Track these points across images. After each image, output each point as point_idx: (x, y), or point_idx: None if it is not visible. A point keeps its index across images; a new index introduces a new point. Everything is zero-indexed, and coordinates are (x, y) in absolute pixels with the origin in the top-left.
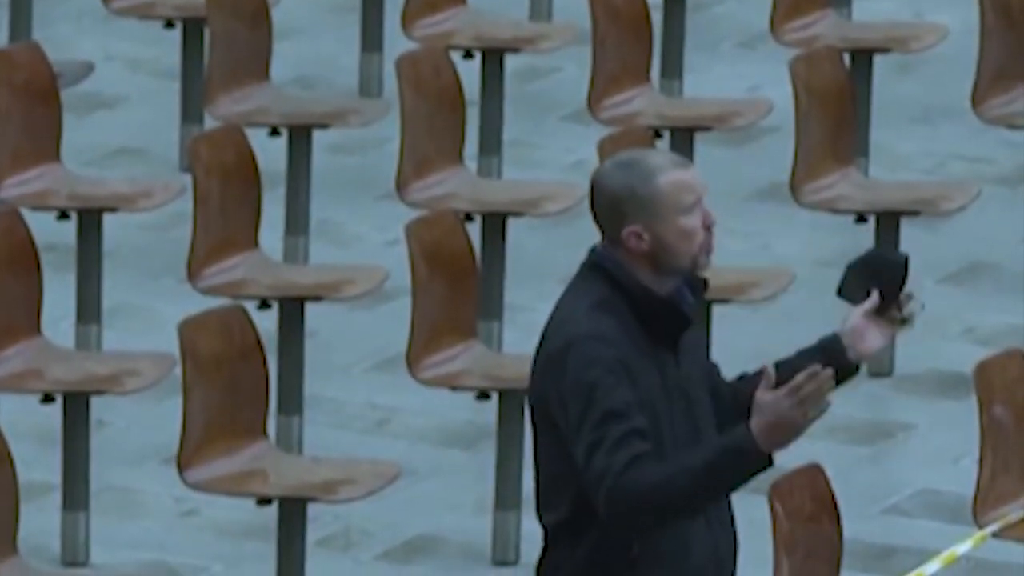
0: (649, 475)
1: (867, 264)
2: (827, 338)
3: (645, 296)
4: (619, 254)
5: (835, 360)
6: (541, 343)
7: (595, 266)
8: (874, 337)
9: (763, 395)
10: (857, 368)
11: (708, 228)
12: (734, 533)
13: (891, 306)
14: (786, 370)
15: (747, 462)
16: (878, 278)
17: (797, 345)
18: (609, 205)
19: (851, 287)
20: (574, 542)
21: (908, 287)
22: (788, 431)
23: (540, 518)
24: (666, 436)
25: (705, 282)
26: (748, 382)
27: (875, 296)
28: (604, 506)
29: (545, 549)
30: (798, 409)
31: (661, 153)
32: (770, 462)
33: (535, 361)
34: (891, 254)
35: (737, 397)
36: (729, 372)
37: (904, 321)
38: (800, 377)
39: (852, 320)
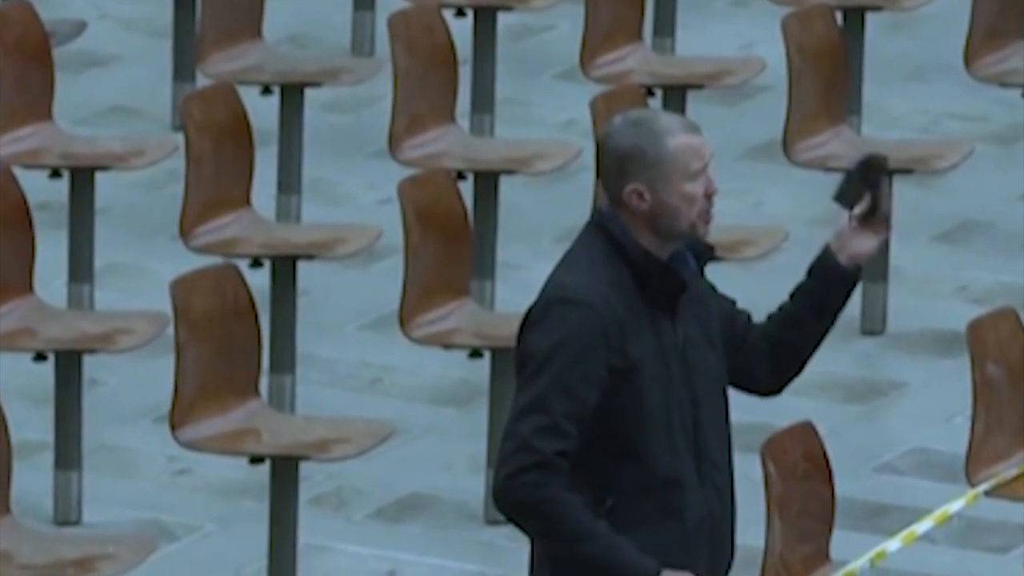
0: (564, 504)
1: (862, 170)
2: (818, 257)
3: (644, 259)
4: (621, 215)
5: (833, 274)
6: (540, 296)
7: (598, 226)
8: (866, 239)
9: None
10: (859, 273)
11: (708, 196)
12: (731, 495)
13: (879, 207)
14: (789, 312)
15: None
16: (872, 182)
17: None
18: (615, 162)
19: (849, 192)
20: None
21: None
22: None
23: None
24: (659, 399)
25: (711, 247)
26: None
27: (868, 199)
28: (505, 479)
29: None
30: None
31: (672, 115)
32: None
33: (527, 310)
34: (877, 157)
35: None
36: None
37: (887, 219)
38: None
39: (843, 227)
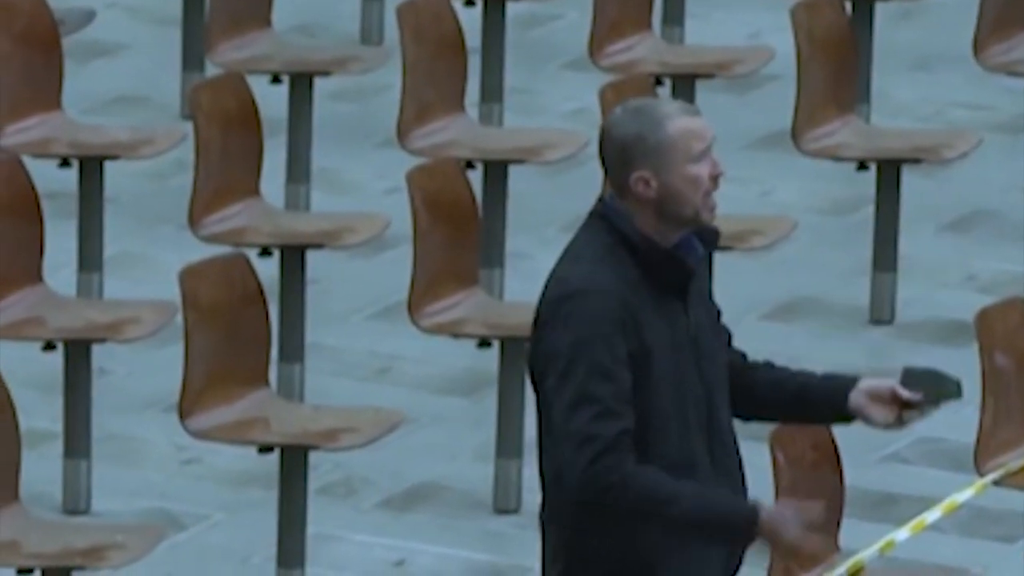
0: (641, 480)
1: (939, 378)
2: (846, 378)
3: (648, 246)
4: (625, 204)
5: (835, 403)
6: (543, 293)
7: (600, 216)
8: (880, 412)
9: (788, 511)
10: (849, 419)
11: (714, 179)
12: (743, 481)
13: (914, 411)
14: (778, 383)
15: (737, 538)
16: (935, 390)
17: (797, 292)
18: (618, 151)
19: (920, 384)
20: (570, 512)
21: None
22: (783, 542)
23: (540, 465)
24: (675, 387)
25: (717, 232)
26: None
27: (916, 396)
28: (583, 472)
29: (547, 499)
30: (801, 540)
31: (671, 101)
32: (751, 541)
33: (536, 312)
34: (955, 388)
35: (744, 375)
36: (730, 321)
37: (908, 423)
38: (817, 515)
39: (881, 385)
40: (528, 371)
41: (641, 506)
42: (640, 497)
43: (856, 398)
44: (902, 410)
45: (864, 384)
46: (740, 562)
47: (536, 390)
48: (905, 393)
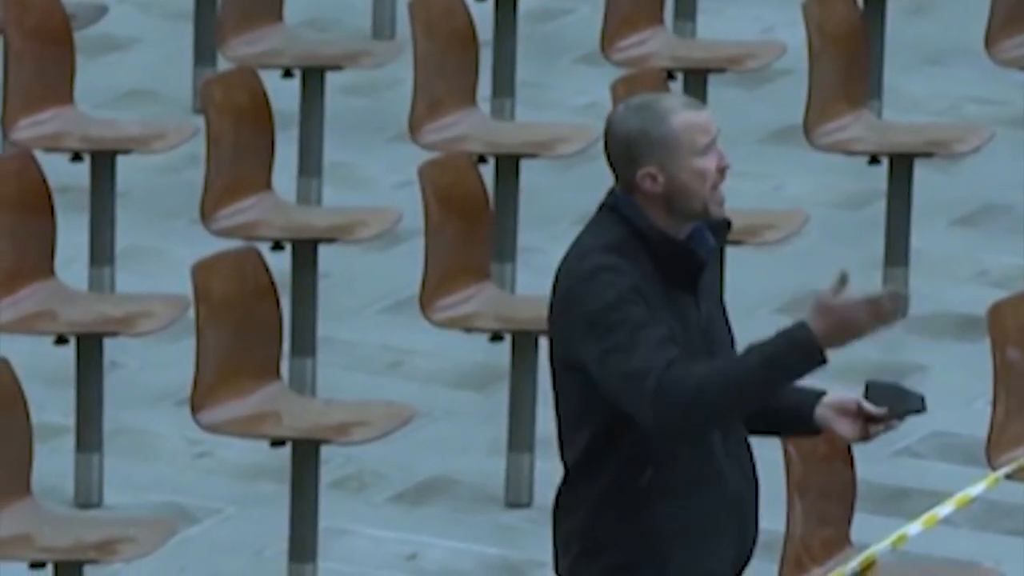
0: (697, 370)
1: (903, 393)
2: (813, 392)
3: (660, 239)
4: (635, 198)
5: (802, 412)
6: (556, 283)
7: (611, 208)
8: (847, 426)
9: (830, 299)
10: (816, 432)
11: (721, 171)
12: (754, 473)
13: (879, 425)
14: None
15: (806, 357)
16: (900, 405)
17: (809, 286)
18: (623, 148)
19: (885, 398)
20: (592, 479)
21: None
22: (851, 335)
23: (562, 457)
24: None
25: (728, 223)
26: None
27: (881, 411)
28: (652, 405)
29: (564, 488)
30: (869, 318)
31: (674, 96)
32: (824, 360)
33: (552, 301)
34: (919, 402)
35: None
36: (742, 315)
37: (873, 437)
38: (883, 295)
39: (846, 400)
40: (551, 358)
41: (725, 394)
42: (719, 389)
43: (822, 412)
44: (868, 424)
45: (829, 398)
46: (751, 552)
47: (556, 379)
48: (871, 408)
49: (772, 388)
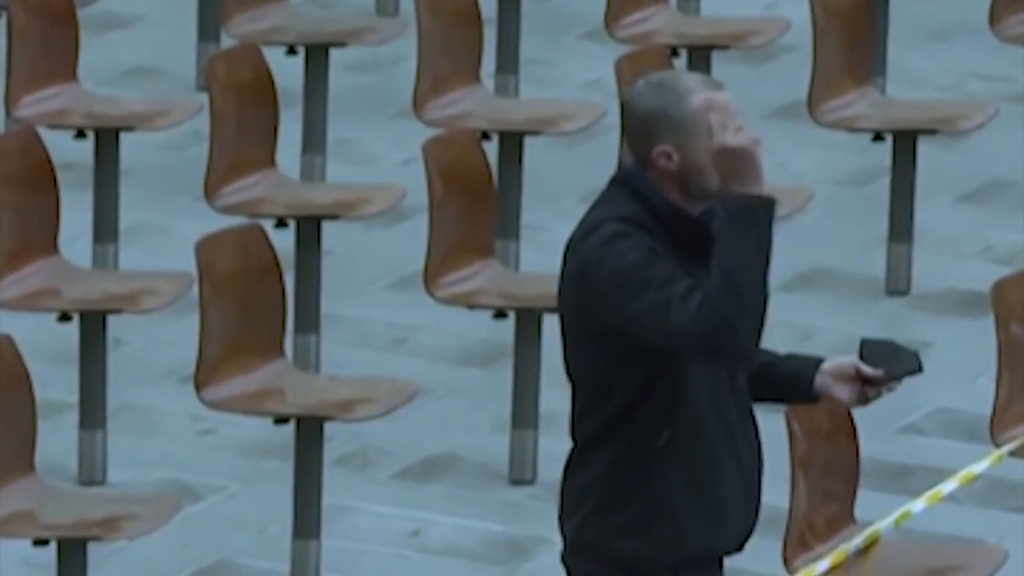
0: (710, 288)
1: (898, 351)
2: (812, 359)
3: (672, 212)
4: (648, 174)
5: (802, 381)
6: (567, 256)
7: (623, 182)
8: (845, 391)
9: (726, 142)
10: (814, 399)
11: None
12: (759, 445)
13: (879, 386)
14: (770, 370)
15: (761, 211)
16: (896, 365)
17: (813, 263)
18: (640, 124)
19: (881, 360)
20: (609, 440)
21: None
22: (747, 165)
23: (573, 434)
24: None
25: (773, 201)
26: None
27: (878, 373)
28: (702, 331)
29: (580, 448)
30: (745, 142)
31: (694, 75)
32: (772, 200)
33: (563, 273)
34: (915, 362)
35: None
36: None
37: (872, 399)
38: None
39: (844, 364)
40: (565, 334)
41: (745, 289)
42: (731, 279)
43: (821, 380)
44: (865, 386)
45: (828, 365)
46: (753, 525)
47: (571, 354)
48: (867, 370)
49: (766, 252)
